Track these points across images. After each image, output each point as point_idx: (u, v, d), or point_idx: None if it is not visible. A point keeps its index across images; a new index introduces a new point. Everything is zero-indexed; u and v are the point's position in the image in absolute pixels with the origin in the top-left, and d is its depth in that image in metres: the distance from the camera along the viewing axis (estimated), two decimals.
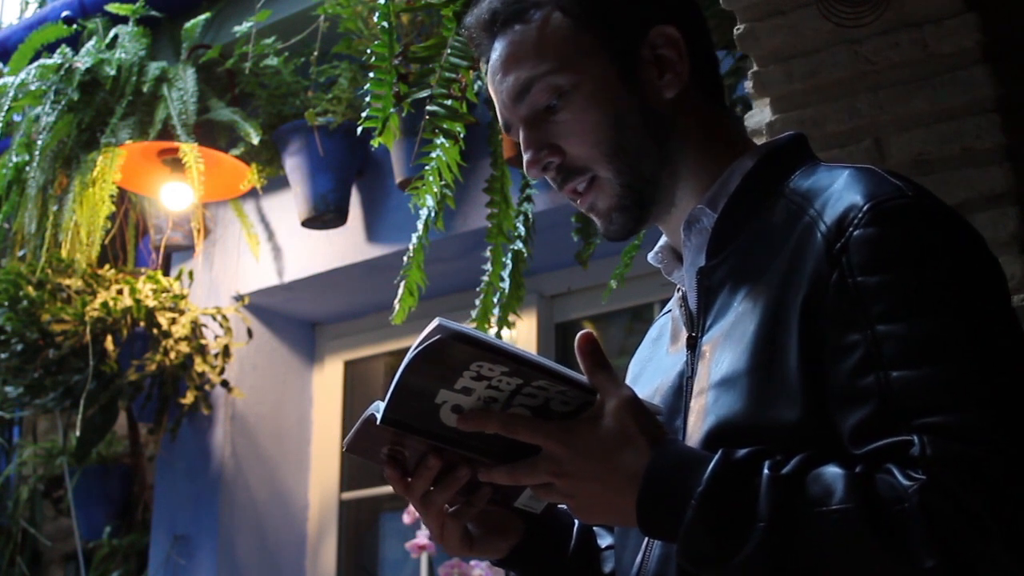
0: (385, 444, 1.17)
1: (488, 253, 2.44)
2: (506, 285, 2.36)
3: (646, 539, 1.20)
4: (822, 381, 1.06)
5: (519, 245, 2.37)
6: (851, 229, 1.07)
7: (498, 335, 2.39)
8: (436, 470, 1.17)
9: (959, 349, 1.02)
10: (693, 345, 1.21)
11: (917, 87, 1.78)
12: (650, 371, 1.33)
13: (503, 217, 2.45)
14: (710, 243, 1.21)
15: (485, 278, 2.42)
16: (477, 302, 2.42)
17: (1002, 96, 1.74)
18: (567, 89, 1.22)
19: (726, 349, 1.14)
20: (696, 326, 1.22)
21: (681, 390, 1.22)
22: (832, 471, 1.01)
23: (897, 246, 1.06)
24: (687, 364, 1.22)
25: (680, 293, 1.29)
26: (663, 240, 1.33)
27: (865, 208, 1.07)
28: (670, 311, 1.35)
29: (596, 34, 1.23)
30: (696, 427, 1.15)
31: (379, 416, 1.11)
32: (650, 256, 1.34)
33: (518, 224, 2.38)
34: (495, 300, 2.39)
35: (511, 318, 2.38)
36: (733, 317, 1.15)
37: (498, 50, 1.26)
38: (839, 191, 1.12)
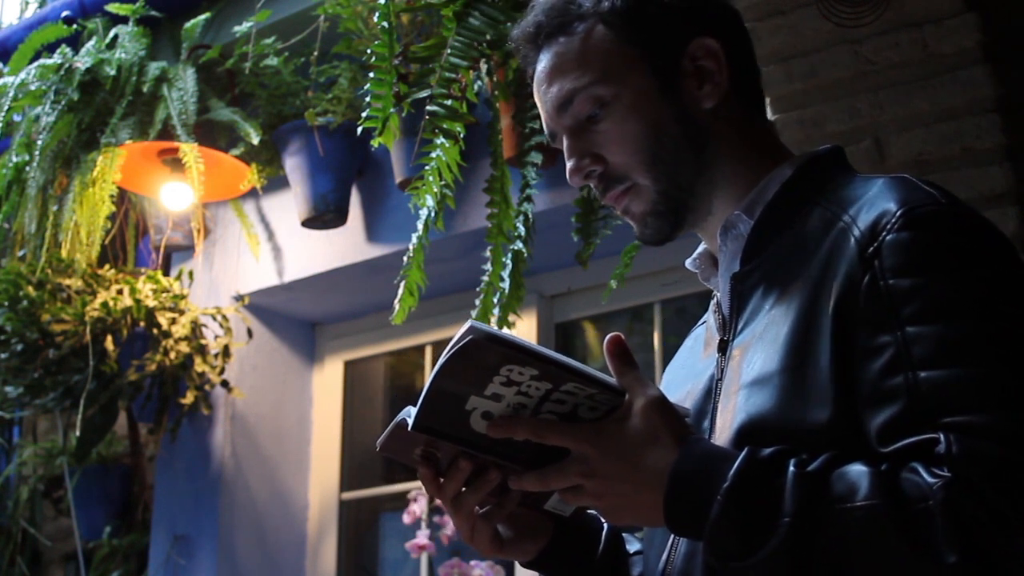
0: (418, 446, 1.19)
1: (488, 253, 2.44)
2: (506, 285, 2.36)
3: (672, 537, 1.22)
4: (853, 382, 1.08)
5: (519, 245, 2.37)
6: (884, 234, 1.09)
7: None
8: (467, 472, 1.19)
9: (988, 352, 1.03)
10: (724, 349, 1.24)
11: (917, 87, 1.79)
12: (682, 376, 1.35)
13: (503, 217, 2.45)
14: (745, 249, 1.24)
15: (485, 278, 2.42)
16: (477, 302, 2.41)
17: (1002, 96, 1.74)
18: (608, 100, 1.26)
19: (758, 351, 1.16)
20: (728, 330, 1.24)
21: (710, 393, 1.24)
22: (857, 469, 1.02)
23: (929, 250, 1.08)
24: (717, 367, 1.24)
25: (715, 299, 1.31)
26: (702, 247, 1.36)
27: (898, 213, 1.10)
28: (705, 322, 1.37)
29: (638, 46, 1.26)
30: (726, 426, 1.17)
31: (410, 422, 1.12)
32: (688, 262, 1.37)
33: (518, 224, 2.38)
34: (495, 300, 2.38)
35: (511, 318, 2.38)
36: (766, 320, 1.18)
37: (543, 62, 1.30)
38: (872, 198, 1.14)
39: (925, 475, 0.99)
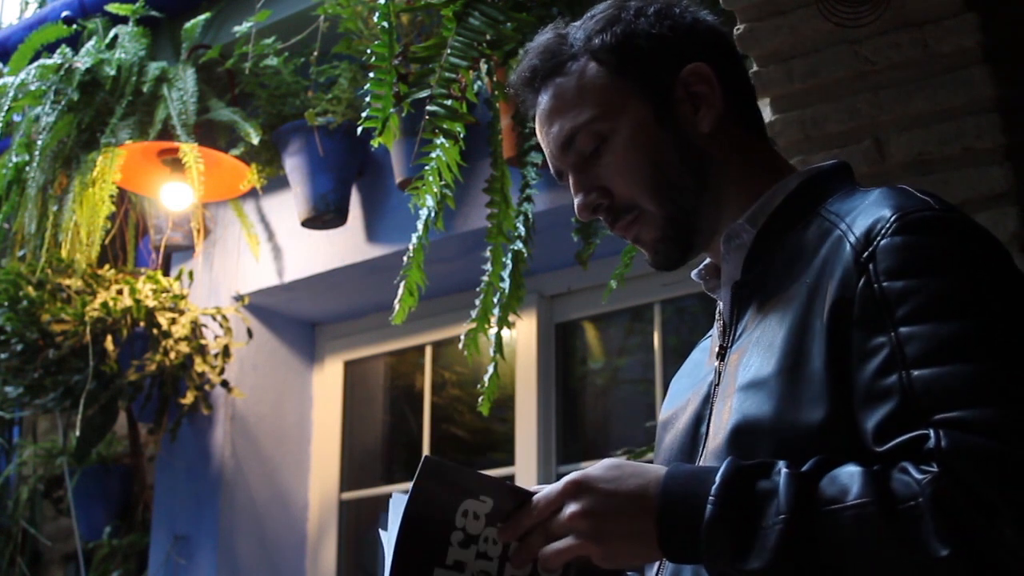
0: None
1: (488, 253, 2.44)
2: (506, 285, 2.36)
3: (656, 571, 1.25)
4: (847, 384, 1.09)
5: (519, 245, 2.37)
6: (878, 239, 1.11)
7: (498, 335, 2.39)
8: None
9: (980, 350, 1.05)
10: (723, 355, 1.27)
11: (917, 87, 1.79)
12: (686, 385, 1.37)
13: (503, 217, 2.45)
14: (747, 258, 1.27)
15: (485, 278, 2.42)
16: (477, 302, 2.41)
17: (1002, 96, 1.74)
18: (608, 134, 1.29)
19: (753, 355, 1.19)
20: (727, 337, 1.27)
21: (708, 398, 1.27)
22: (848, 470, 1.04)
23: (922, 254, 1.10)
24: (716, 373, 1.27)
25: (719, 308, 1.34)
26: (707, 259, 1.38)
27: (892, 219, 1.12)
28: (712, 335, 1.40)
29: (631, 79, 1.30)
30: (721, 428, 1.19)
31: None
32: (693, 273, 1.40)
33: (518, 224, 2.38)
34: (495, 300, 2.39)
35: (511, 318, 2.38)
36: (761, 326, 1.20)
37: (542, 104, 1.34)
38: (868, 206, 1.17)
39: (914, 472, 1.00)
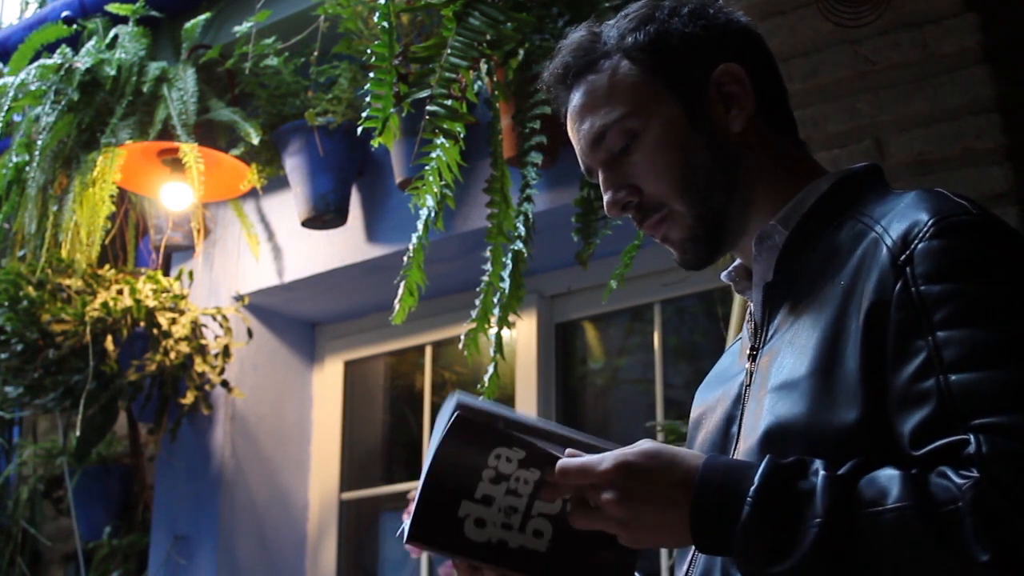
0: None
1: (488, 253, 2.44)
2: (506, 285, 2.36)
3: (687, 565, 1.25)
4: (882, 387, 1.09)
5: (519, 245, 2.37)
6: (916, 242, 1.12)
7: (498, 335, 2.39)
8: None
9: (1018, 354, 1.05)
10: (754, 356, 1.27)
11: (917, 87, 1.79)
12: (715, 383, 1.38)
13: (503, 217, 2.45)
14: (779, 259, 1.27)
15: (485, 278, 2.42)
16: (477, 302, 2.41)
17: (1002, 96, 1.74)
18: (639, 131, 1.30)
19: (787, 357, 1.19)
20: (759, 337, 1.27)
21: (739, 399, 1.27)
22: (887, 473, 1.04)
23: (960, 258, 1.10)
24: (747, 374, 1.27)
25: (749, 309, 1.34)
26: (738, 260, 1.39)
27: (930, 222, 1.12)
28: (741, 339, 1.40)
29: (663, 78, 1.31)
30: (753, 429, 1.19)
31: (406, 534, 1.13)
32: (723, 274, 1.40)
33: (518, 224, 2.38)
34: (495, 300, 2.38)
35: (511, 318, 2.38)
36: (795, 328, 1.20)
37: (574, 100, 1.34)
38: (904, 209, 1.17)
39: (954, 477, 1.00)
